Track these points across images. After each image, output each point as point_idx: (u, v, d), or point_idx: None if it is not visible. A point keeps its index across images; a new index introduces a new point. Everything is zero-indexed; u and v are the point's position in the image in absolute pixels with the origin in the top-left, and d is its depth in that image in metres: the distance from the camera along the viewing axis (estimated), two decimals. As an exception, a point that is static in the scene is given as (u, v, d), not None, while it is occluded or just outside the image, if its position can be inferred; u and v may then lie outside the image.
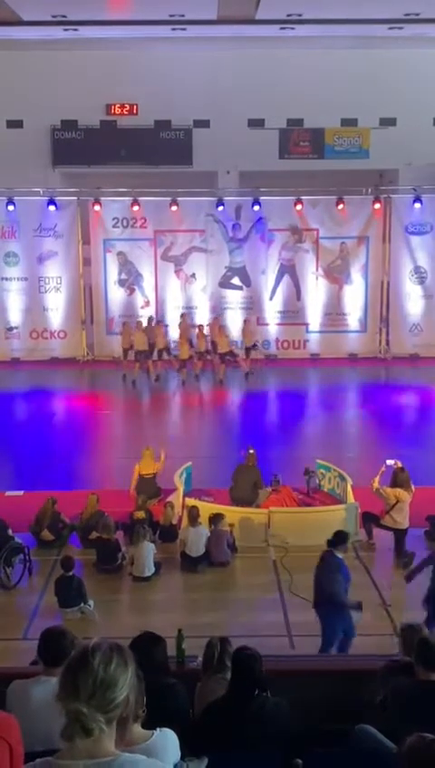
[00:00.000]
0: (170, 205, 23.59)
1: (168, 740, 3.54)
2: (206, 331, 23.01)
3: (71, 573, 10.00)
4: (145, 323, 23.29)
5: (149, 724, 3.67)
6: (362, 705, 5.53)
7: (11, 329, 24.53)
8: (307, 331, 24.80)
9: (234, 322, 24.06)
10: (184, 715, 4.85)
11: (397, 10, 21.05)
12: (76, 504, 12.19)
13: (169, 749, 3.56)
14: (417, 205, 23.81)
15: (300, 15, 21.50)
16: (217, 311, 24.40)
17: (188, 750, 3.94)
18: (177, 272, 24.56)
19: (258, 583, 10.79)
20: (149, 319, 23.57)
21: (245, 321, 23.71)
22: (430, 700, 4.57)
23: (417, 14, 21.32)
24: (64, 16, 21.40)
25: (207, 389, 21.75)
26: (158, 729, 3.54)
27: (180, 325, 23.40)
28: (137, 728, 3.52)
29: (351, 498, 12.52)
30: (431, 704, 4.54)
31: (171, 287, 24.59)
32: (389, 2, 20.10)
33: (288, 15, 21.56)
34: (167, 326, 23.60)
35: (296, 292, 24.71)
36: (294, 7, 20.89)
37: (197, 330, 23.08)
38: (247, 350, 22.96)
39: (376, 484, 11.64)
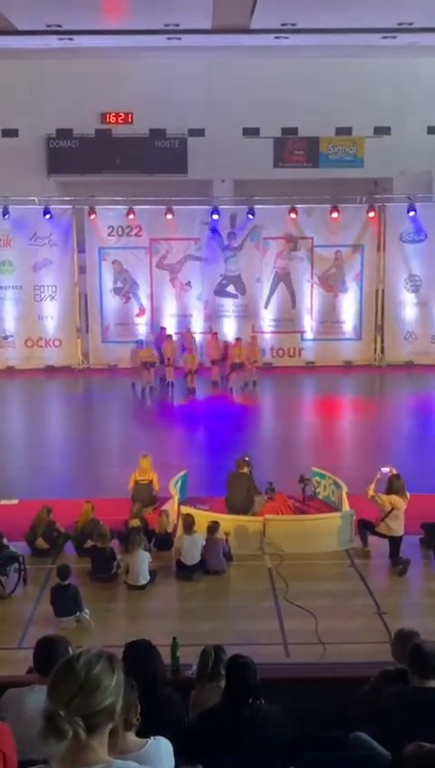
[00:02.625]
0: (165, 213, 23.64)
1: (162, 748, 3.53)
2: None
3: (67, 582, 9.98)
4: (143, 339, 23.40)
5: (144, 733, 3.67)
6: (356, 712, 5.53)
7: (6, 337, 24.54)
8: (302, 339, 24.85)
9: (231, 331, 24.12)
10: (179, 724, 4.84)
11: (390, 19, 21.13)
12: (71, 512, 12.16)
13: (164, 757, 3.55)
14: (411, 213, 23.88)
15: (294, 25, 21.57)
16: (213, 319, 24.45)
17: (182, 758, 3.94)
18: (172, 280, 24.61)
19: (254, 591, 10.77)
20: (162, 330, 23.63)
21: (252, 327, 23.65)
22: (424, 707, 4.57)
23: (410, 24, 21.41)
24: (59, 26, 21.44)
25: (204, 398, 21.73)
26: (152, 737, 3.54)
27: (185, 335, 23.38)
28: (131, 736, 3.52)
29: (346, 506, 12.51)
30: (426, 711, 4.54)
31: (167, 295, 24.63)
32: (382, 11, 20.17)
33: (283, 25, 21.64)
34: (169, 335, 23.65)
35: (291, 300, 24.77)
36: (288, 17, 20.97)
37: (210, 339, 23.16)
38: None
39: (371, 492, 11.65)
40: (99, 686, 2.40)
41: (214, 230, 24.17)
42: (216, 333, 23.55)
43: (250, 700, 4.81)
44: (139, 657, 4.79)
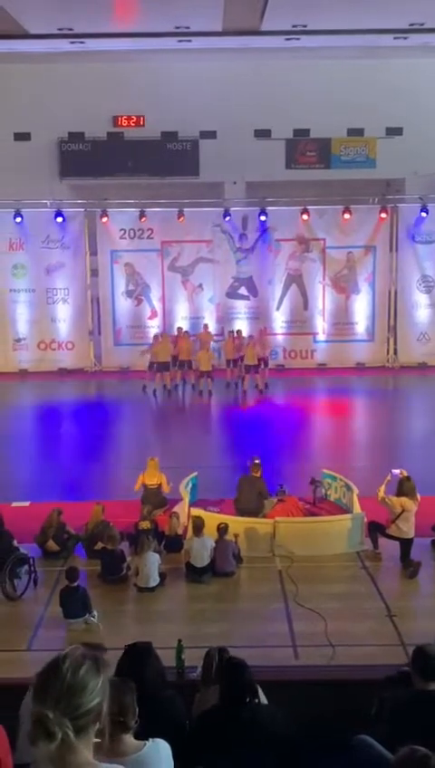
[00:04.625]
0: (177, 216, 23.64)
1: (160, 751, 3.51)
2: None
3: (75, 584, 9.98)
4: (159, 335, 23.26)
5: (144, 735, 3.65)
6: (364, 715, 5.50)
7: (19, 340, 24.62)
8: (315, 341, 24.79)
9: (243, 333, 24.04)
10: (180, 726, 4.82)
11: (402, 20, 21.07)
12: (81, 514, 12.18)
13: (163, 760, 3.53)
14: (423, 214, 23.77)
15: (305, 26, 21.53)
16: (225, 321, 24.42)
17: (182, 760, 3.92)
18: (184, 282, 24.61)
19: (263, 593, 10.74)
20: (179, 329, 23.53)
21: (260, 331, 23.63)
22: (426, 710, 4.53)
23: (422, 24, 21.34)
24: (71, 29, 21.50)
25: (216, 400, 21.72)
26: (150, 740, 3.52)
27: (201, 336, 23.33)
28: (129, 739, 3.51)
29: (357, 508, 12.46)
30: (428, 714, 4.49)
31: (178, 298, 24.64)
32: (393, 12, 20.12)
33: (293, 26, 21.60)
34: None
35: (304, 301, 24.72)
36: (298, 18, 20.93)
37: (228, 338, 23.09)
38: (264, 360, 22.85)
39: (382, 494, 11.58)
40: (85, 688, 2.39)
41: (228, 232, 24.15)
42: (232, 332, 23.39)
43: (247, 699, 4.78)
44: (137, 659, 4.77)
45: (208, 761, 4.25)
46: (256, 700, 4.84)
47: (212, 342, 23.19)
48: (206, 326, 23.84)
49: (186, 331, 23.44)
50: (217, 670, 5.51)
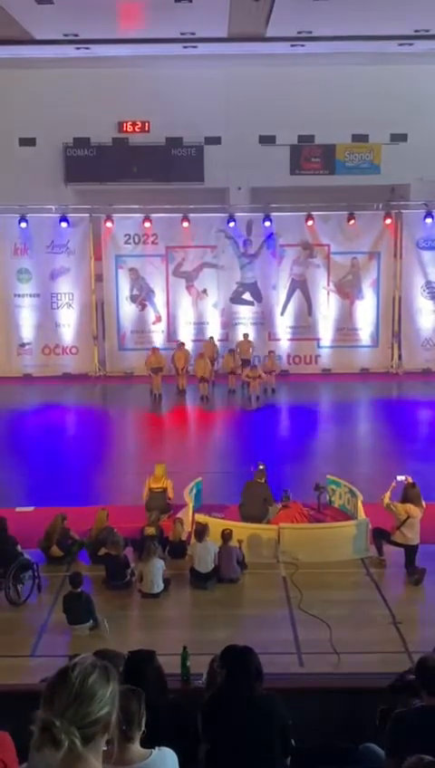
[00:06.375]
0: (182, 221, 23.65)
1: (166, 759, 3.50)
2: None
3: (79, 590, 9.97)
4: (158, 346, 23.39)
5: (149, 742, 3.64)
6: (369, 723, 5.48)
7: (23, 345, 24.62)
8: (319, 347, 24.75)
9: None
10: (185, 733, 4.80)
11: (407, 26, 21.14)
12: (86, 519, 12.17)
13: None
14: (428, 220, 23.73)
15: (310, 33, 21.61)
16: (229, 326, 24.42)
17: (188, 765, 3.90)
18: (188, 287, 24.61)
19: (268, 600, 10.72)
20: (180, 344, 23.52)
21: (269, 353, 23.56)
22: (432, 726, 4.43)
23: (427, 31, 21.42)
24: (76, 35, 21.59)
25: (219, 405, 21.72)
26: (156, 748, 3.51)
27: (206, 346, 23.26)
28: (135, 747, 3.49)
29: (361, 514, 12.45)
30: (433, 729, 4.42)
31: (183, 303, 24.64)
32: (399, 18, 20.18)
33: (298, 33, 21.68)
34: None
35: (308, 307, 24.69)
36: (304, 24, 21.00)
37: (227, 354, 23.07)
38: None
39: (387, 500, 11.56)
40: (94, 697, 2.37)
41: (232, 237, 24.18)
42: (233, 350, 23.27)
43: (250, 682, 4.78)
44: (139, 666, 4.75)
45: (211, 741, 4.25)
46: (259, 683, 4.82)
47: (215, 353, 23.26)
48: (211, 339, 23.79)
49: (182, 343, 23.41)
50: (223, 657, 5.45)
